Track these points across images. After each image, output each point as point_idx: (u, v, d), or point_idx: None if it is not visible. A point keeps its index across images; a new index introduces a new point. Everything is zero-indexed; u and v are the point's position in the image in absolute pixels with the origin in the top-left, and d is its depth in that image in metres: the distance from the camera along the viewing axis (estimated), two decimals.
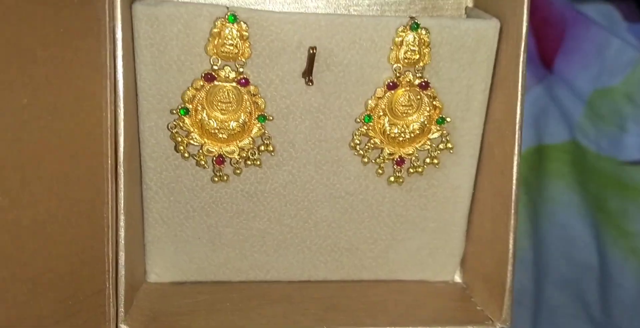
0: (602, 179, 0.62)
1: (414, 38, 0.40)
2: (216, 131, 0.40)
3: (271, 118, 0.41)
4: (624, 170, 0.61)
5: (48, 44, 0.31)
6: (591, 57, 0.62)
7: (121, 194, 0.38)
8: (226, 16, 0.38)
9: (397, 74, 0.41)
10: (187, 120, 0.40)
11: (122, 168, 0.38)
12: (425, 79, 0.41)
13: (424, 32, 0.40)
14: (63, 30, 0.32)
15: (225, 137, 0.41)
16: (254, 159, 0.42)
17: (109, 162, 0.37)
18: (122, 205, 0.38)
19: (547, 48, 0.63)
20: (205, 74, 0.39)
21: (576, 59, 0.62)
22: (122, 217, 0.39)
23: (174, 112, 0.40)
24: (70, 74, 0.33)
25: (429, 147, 0.43)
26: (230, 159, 0.42)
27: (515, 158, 0.39)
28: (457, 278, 0.49)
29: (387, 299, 0.45)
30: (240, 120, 0.40)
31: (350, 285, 0.47)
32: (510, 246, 0.40)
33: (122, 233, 0.39)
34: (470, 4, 0.46)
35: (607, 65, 0.62)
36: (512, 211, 0.40)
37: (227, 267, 0.46)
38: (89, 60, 0.35)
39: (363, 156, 0.43)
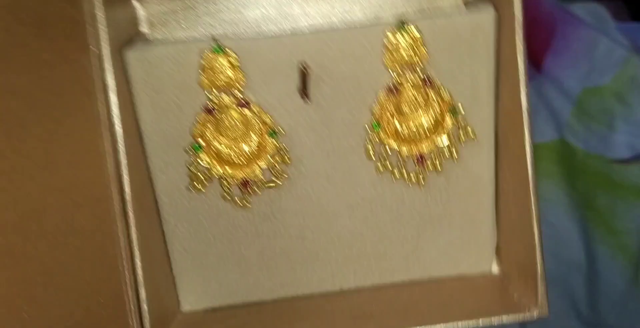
0: (591, 178, 0.62)
1: (405, 38, 0.39)
2: (233, 158, 0.40)
3: (283, 132, 0.41)
4: (612, 168, 0.62)
5: (37, 107, 0.31)
6: (580, 56, 0.62)
7: (133, 233, 0.39)
8: (212, 48, 0.38)
9: (397, 76, 0.40)
10: (202, 155, 0.40)
11: (130, 209, 0.38)
12: (427, 75, 0.40)
13: (414, 29, 0.39)
14: (52, 92, 0.32)
15: (245, 163, 0.41)
16: (280, 174, 0.42)
17: (116, 205, 0.37)
18: (135, 244, 0.39)
19: (536, 47, 0.63)
20: (205, 108, 0.39)
21: (565, 58, 0.62)
22: (137, 255, 0.39)
23: (187, 150, 0.40)
24: (63, 130, 0.33)
25: (447, 140, 0.42)
26: (255, 181, 0.42)
27: (528, 146, 0.38)
28: (495, 269, 0.48)
29: (421, 299, 0.45)
30: (254, 141, 0.40)
31: (383, 289, 0.47)
32: (536, 233, 0.40)
33: (139, 271, 0.39)
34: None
35: (597, 64, 0.62)
36: (532, 197, 0.39)
37: (258, 288, 0.46)
38: (83, 113, 0.35)
39: (382, 163, 0.42)
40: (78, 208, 0.34)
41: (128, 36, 0.39)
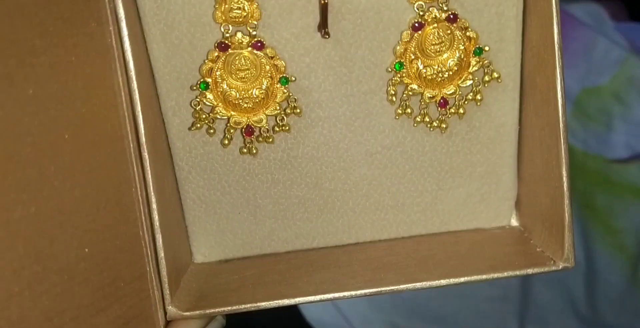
0: (590, 177, 0.63)
1: None
2: (240, 101, 0.39)
3: (294, 79, 0.39)
4: (611, 168, 0.62)
5: (46, 33, 0.29)
6: (579, 56, 0.63)
7: (149, 177, 0.37)
8: None
9: (421, 12, 0.38)
10: (208, 94, 0.39)
11: (145, 151, 0.36)
12: (453, 11, 0.38)
13: None
14: (61, 18, 0.30)
15: (251, 106, 0.39)
16: (283, 125, 0.40)
17: (131, 145, 0.36)
18: (151, 188, 0.37)
19: None
20: (218, 43, 0.38)
21: (564, 59, 0.64)
22: (153, 200, 0.37)
23: (194, 88, 0.39)
24: (75, 61, 0.32)
25: (471, 81, 0.40)
26: (260, 128, 0.40)
27: (559, 83, 0.37)
28: (514, 222, 0.46)
29: (440, 252, 0.43)
30: (263, 87, 0.39)
31: (400, 242, 0.45)
32: (565, 180, 0.38)
33: (155, 216, 0.37)
34: None
35: (595, 64, 0.62)
36: (562, 142, 0.37)
37: (272, 239, 0.44)
38: (94, 44, 0.33)
39: (406, 107, 0.41)
40: (93, 146, 0.33)
41: None
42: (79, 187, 0.30)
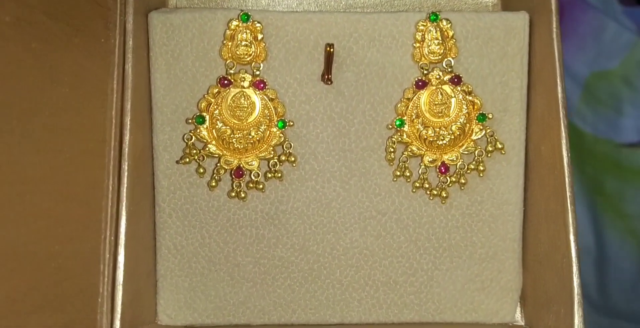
0: (600, 162, 0.62)
1: (436, 30, 0.38)
2: (234, 140, 0.38)
3: (291, 123, 0.38)
4: (621, 152, 0.62)
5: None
6: (588, 40, 0.63)
7: (123, 216, 0.35)
8: (239, 17, 0.37)
9: (425, 72, 0.39)
10: (203, 130, 0.38)
11: (124, 185, 0.35)
12: (457, 74, 0.38)
13: (445, 23, 0.38)
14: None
15: (244, 147, 0.38)
16: (275, 171, 0.38)
17: (111, 180, 0.34)
18: (122, 230, 0.35)
19: None
20: (220, 79, 0.38)
21: (573, 43, 0.64)
22: (122, 242, 0.35)
23: (190, 121, 0.38)
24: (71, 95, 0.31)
25: (473, 149, 0.39)
26: (251, 172, 0.38)
27: (565, 161, 0.35)
28: (518, 318, 0.41)
29: None
30: (261, 128, 0.38)
31: None
32: (575, 271, 0.34)
33: (121, 265, 0.35)
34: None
35: (604, 48, 0.63)
36: (571, 226, 0.35)
37: (248, 306, 0.40)
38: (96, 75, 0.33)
39: (404, 169, 0.39)
40: (71, 167, 0.31)
41: (155, 4, 0.39)
42: (42, 218, 0.28)
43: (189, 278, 0.40)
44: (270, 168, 0.38)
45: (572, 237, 0.35)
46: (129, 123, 0.34)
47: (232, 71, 0.38)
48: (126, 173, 0.34)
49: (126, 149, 0.34)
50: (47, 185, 0.29)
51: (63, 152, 0.30)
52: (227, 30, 0.38)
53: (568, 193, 0.35)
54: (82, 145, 0.31)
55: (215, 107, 0.38)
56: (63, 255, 0.30)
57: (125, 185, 0.34)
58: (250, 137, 0.38)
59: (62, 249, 0.30)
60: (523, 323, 0.41)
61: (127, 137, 0.35)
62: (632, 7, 0.63)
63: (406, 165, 0.39)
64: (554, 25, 0.36)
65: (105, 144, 0.33)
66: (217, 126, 0.38)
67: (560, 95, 0.36)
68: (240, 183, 0.38)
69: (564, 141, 0.35)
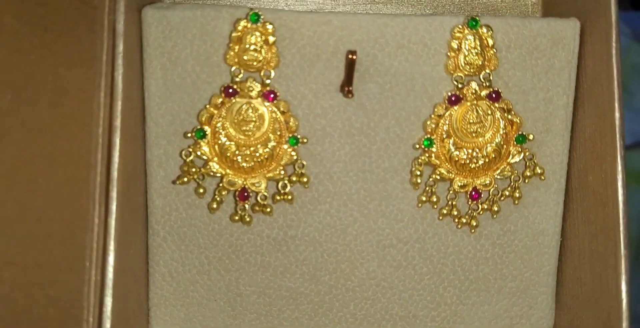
0: None
1: (475, 38, 0.33)
2: (238, 158, 0.33)
3: (305, 140, 0.33)
4: None
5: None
6: None
7: (111, 241, 0.30)
8: (248, 16, 0.32)
9: (459, 85, 0.34)
10: (204, 145, 0.33)
11: (114, 203, 0.30)
12: (495, 88, 0.34)
13: (485, 30, 0.33)
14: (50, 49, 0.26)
15: (251, 166, 0.33)
16: (285, 194, 0.34)
17: (97, 196, 0.29)
18: (110, 255, 0.30)
19: None
20: (225, 88, 0.33)
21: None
22: (110, 269, 0.30)
23: (189, 135, 0.33)
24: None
25: (509, 173, 0.34)
26: (257, 194, 0.34)
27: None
28: None
29: None
30: (269, 145, 0.33)
31: None
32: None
33: (109, 298, 0.30)
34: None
35: None
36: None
37: None
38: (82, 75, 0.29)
39: (431, 194, 0.35)
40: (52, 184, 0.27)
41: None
42: (14, 263, 0.24)
43: (185, 309, 0.36)
44: (280, 191, 0.34)
45: (623, 285, 0.30)
46: (118, 142, 0.29)
47: (238, 79, 0.33)
48: (115, 203, 0.29)
49: (114, 173, 0.30)
50: (21, 223, 0.24)
51: (39, 184, 0.25)
52: (234, 32, 0.32)
53: (622, 235, 0.31)
54: (63, 174, 0.27)
55: (218, 119, 0.33)
56: (40, 303, 0.25)
57: (114, 216, 0.30)
58: (258, 154, 0.33)
59: (40, 296, 0.25)
60: None
61: (116, 159, 0.30)
62: (626, 12, 0.61)
63: (433, 189, 0.35)
64: (613, 39, 0.31)
65: (90, 170, 0.28)
66: (219, 141, 0.33)
67: (618, 121, 0.32)
68: (244, 206, 0.34)
69: (619, 176, 0.31)
